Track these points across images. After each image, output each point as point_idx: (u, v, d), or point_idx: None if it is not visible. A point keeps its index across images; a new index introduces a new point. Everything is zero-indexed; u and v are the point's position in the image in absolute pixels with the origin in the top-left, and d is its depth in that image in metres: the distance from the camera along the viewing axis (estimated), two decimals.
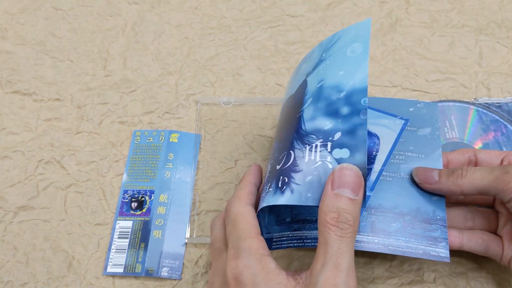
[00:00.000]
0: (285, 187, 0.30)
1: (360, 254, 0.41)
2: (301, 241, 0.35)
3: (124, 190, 0.44)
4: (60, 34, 0.54)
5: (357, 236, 0.33)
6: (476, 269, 0.40)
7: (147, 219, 0.43)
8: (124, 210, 0.43)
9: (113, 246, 0.42)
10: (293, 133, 0.32)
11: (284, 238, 0.36)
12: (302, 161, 0.30)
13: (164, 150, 0.46)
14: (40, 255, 0.42)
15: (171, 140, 0.47)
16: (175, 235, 0.42)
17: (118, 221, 0.43)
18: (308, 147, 0.30)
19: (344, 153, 0.29)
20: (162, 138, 0.47)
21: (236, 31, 0.54)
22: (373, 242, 0.33)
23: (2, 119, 0.49)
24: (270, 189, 0.31)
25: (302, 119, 0.32)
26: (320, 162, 0.29)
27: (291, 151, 0.31)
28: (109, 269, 0.41)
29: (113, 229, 0.43)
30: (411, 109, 0.38)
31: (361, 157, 0.28)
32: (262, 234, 0.31)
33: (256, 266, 0.29)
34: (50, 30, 0.54)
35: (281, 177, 0.30)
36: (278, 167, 0.31)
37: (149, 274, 0.40)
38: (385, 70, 0.50)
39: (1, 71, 0.52)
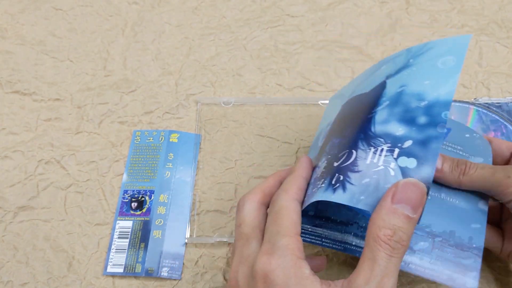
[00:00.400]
0: (338, 184, 0.28)
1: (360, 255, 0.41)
2: (320, 239, 0.34)
3: (124, 190, 0.44)
4: (60, 34, 0.54)
5: (348, 238, 0.33)
6: None
7: (147, 219, 0.43)
8: (124, 210, 0.43)
9: (113, 246, 0.42)
10: (360, 133, 0.31)
11: (303, 231, 0.34)
12: (363, 162, 0.28)
13: (164, 150, 0.46)
14: (40, 255, 0.42)
15: (171, 140, 0.47)
16: (175, 235, 0.42)
17: (118, 221, 0.43)
18: (372, 149, 0.29)
19: (410, 162, 0.27)
20: (162, 138, 0.47)
21: (236, 31, 0.54)
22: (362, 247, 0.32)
23: (2, 119, 0.49)
24: (323, 185, 0.30)
25: (373, 120, 0.31)
26: (382, 167, 0.28)
27: (353, 150, 0.30)
28: (109, 269, 0.41)
29: (113, 229, 0.43)
30: (467, 135, 0.36)
31: (428, 170, 0.27)
32: None
33: (291, 268, 0.27)
34: (50, 30, 0.54)
35: (337, 174, 0.29)
36: (335, 164, 0.30)
37: (149, 274, 0.40)
38: None
39: (1, 71, 0.52)
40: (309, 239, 0.34)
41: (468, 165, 0.32)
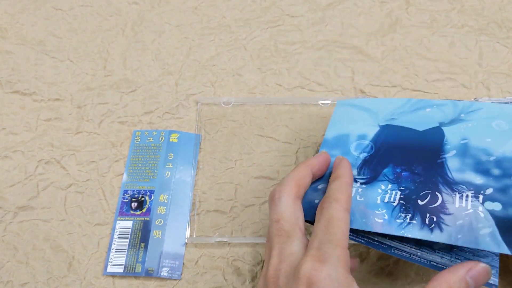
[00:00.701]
0: (433, 225, 0.32)
1: (360, 253, 0.41)
2: (367, 239, 0.35)
3: (124, 190, 0.44)
4: (60, 34, 0.54)
5: (399, 244, 0.34)
6: None
7: (147, 219, 0.43)
8: (124, 210, 0.43)
9: (113, 246, 0.42)
10: (438, 176, 0.34)
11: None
12: (452, 206, 0.32)
13: (164, 150, 0.46)
14: (40, 255, 0.42)
15: (171, 140, 0.47)
16: (175, 235, 0.42)
17: (118, 221, 0.43)
18: (458, 195, 0.33)
19: (496, 206, 0.32)
20: (162, 138, 0.47)
21: (236, 31, 0.54)
22: (416, 255, 0.33)
23: (2, 119, 0.49)
24: (413, 221, 0.32)
25: (447, 166, 0.35)
26: (471, 210, 0.32)
27: (437, 193, 0.33)
28: (109, 269, 0.41)
29: (113, 229, 0.43)
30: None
31: None
32: None
33: (341, 281, 0.27)
34: (50, 30, 0.54)
35: (428, 214, 0.32)
36: (421, 203, 0.33)
37: (149, 274, 0.40)
38: (385, 70, 0.50)
39: (1, 71, 0.52)
40: (354, 238, 0.35)
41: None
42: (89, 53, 0.53)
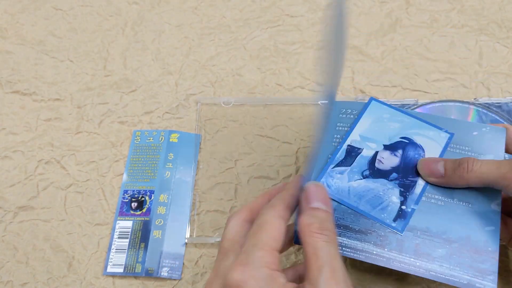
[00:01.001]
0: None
1: None
2: (340, 248, 0.35)
3: (124, 190, 0.44)
4: (60, 34, 0.54)
5: (399, 257, 0.34)
6: None
7: (147, 219, 0.43)
8: (124, 210, 0.43)
9: (113, 246, 0.42)
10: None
11: None
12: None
13: (164, 150, 0.46)
14: (40, 255, 0.42)
15: (171, 140, 0.47)
16: (175, 235, 0.42)
17: (118, 221, 0.43)
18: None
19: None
20: (162, 138, 0.47)
21: (236, 31, 0.54)
22: (414, 265, 0.33)
23: (2, 119, 0.49)
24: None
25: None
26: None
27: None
28: (109, 269, 0.41)
29: (113, 229, 0.43)
30: (475, 133, 0.37)
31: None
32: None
33: (265, 279, 0.28)
34: (50, 30, 0.54)
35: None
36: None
37: (149, 274, 0.40)
38: (385, 70, 0.50)
39: (1, 71, 0.52)
40: (352, 254, 0.35)
41: (471, 162, 0.33)
42: (89, 53, 0.53)
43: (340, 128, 0.39)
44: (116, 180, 0.45)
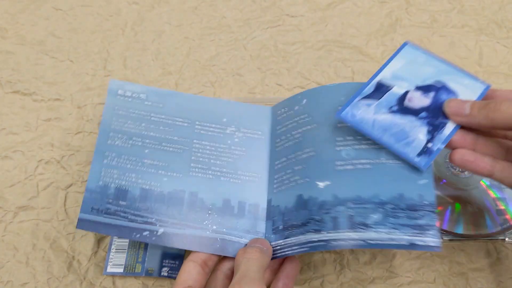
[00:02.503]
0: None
1: (360, 254, 0.41)
2: (290, 249, 0.36)
3: None
4: (60, 34, 0.54)
5: (334, 234, 0.33)
6: (476, 269, 0.40)
7: None
8: None
9: (113, 246, 0.42)
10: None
11: (278, 247, 0.37)
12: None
13: None
14: (40, 255, 0.42)
15: None
16: None
17: None
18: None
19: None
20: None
21: (236, 31, 0.54)
22: (351, 239, 0.32)
23: (2, 119, 0.49)
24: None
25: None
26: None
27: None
28: (109, 269, 0.41)
29: None
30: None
31: None
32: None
33: None
34: (50, 30, 0.54)
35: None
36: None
37: (149, 274, 0.40)
38: None
39: (1, 71, 0.52)
40: (280, 254, 0.36)
41: (499, 102, 0.32)
42: (89, 53, 0.53)
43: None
44: None
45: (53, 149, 0.47)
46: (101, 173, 0.39)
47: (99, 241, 0.42)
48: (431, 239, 0.31)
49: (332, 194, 0.35)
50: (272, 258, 0.36)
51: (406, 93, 0.37)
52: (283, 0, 0.56)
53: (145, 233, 0.37)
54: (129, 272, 0.41)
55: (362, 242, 0.32)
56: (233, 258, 0.36)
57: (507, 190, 0.41)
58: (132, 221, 0.37)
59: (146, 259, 0.41)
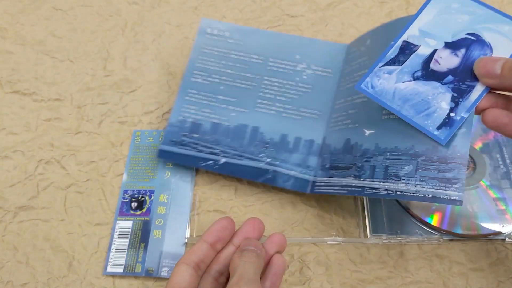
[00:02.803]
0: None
1: (360, 253, 0.41)
2: (331, 187, 0.37)
3: (124, 190, 0.44)
4: (60, 34, 0.54)
5: (370, 182, 0.34)
6: (476, 269, 0.40)
7: (147, 219, 0.43)
8: (124, 210, 0.43)
9: (113, 246, 0.42)
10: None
11: (322, 183, 0.39)
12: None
13: None
14: (40, 255, 0.42)
15: None
16: (175, 235, 0.42)
17: (118, 221, 0.43)
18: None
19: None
20: (162, 138, 0.47)
21: None
22: (383, 189, 0.33)
23: (2, 119, 0.49)
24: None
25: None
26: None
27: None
28: (109, 269, 0.41)
29: (113, 229, 0.43)
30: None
31: None
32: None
33: None
34: (50, 30, 0.54)
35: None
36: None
37: (149, 274, 0.40)
38: None
39: (1, 71, 0.52)
40: (323, 190, 0.38)
41: None
42: (89, 53, 0.53)
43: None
44: (116, 180, 0.45)
45: (53, 149, 0.47)
46: (181, 108, 0.44)
47: (99, 241, 0.42)
48: (456, 192, 0.30)
49: (374, 143, 0.36)
50: (316, 192, 0.39)
51: (433, 53, 0.34)
52: (283, 0, 0.56)
53: (210, 162, 0.42)
54: (129, 272, 0.41)
55: (391, 193, 0.33)
56: (222, 261, 0.36)
57: (507, 190, 0.41)
58: (200, 151, 0.42)
59: (146, 259, 0.41)
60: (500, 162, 0.42)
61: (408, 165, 0.33)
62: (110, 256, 0.41)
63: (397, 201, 0.41)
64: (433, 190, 0.31)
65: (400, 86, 0.34)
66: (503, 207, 0.40)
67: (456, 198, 0.30)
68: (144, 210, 0.43)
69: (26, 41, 0.54)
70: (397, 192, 0.32)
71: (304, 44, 0.46)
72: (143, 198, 0.44)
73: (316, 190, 0.39)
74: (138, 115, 0.49)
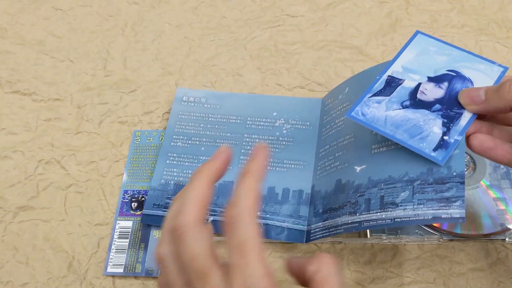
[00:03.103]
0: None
1: (360, 254, 0.41)
2: (327, 231, 0.37)
3: (124, 190, 0.44)
4: (60, 34, 0.54)
5: (367, 216, 0.34)
6: (476, 269, 0.40)
7: None
8: (124, 210, 0.43)
9: (113, 246, 0.42)
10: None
11: (317, 230, 0.38)
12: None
13: None
14: (40, 255, 0.42)
15: None
16: None
17: (118, 221, 0.43)
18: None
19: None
20: (162, 138, 0.47)
21: (236, 31, 0.54)
22: (381, 219, 0.33)
23: (2, 119, 0.49)
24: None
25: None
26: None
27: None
28: (109, 269, 0.41)
29: (113, 229, 0.43)
30: None
31: None
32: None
33: None
34: (50, 30, 0.54)
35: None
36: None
37: (149, 274, 0.40)
38: None
39: (1, 71, 0.52)
40: (320, 235, 0.37)
41: None
42: (89, 53, 0.53)
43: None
44: (116, 180, 0.45)
45: (53, 149, 0.47)
46: (163, 172, 0.43)
47: (99, 241, 0.42)
48: (457, 210, 0.30)
49: (367, 177, 0.36)
50: (312, 240, 0.38)
51: (418, 85, 0.36)
52: (283, 0, 0.56)
53: None
54: (129, 272, 0.41)
55: (389, 221, 0.32)
56: None
57: (507, 190, 0.41)
58: None
59: (146, 259, 0.41)
60: None
61: (404, 191, 0.33)
62: (110, 256, 0.41)
63: None
64: (433, 211, 0.31)
65: (390, 114, 0.35)
66: (503, 207, 0.40)
67: (457, 215, 0.31)
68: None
69: (26, 41, 0.54)
70: (395, 220, 0.32)
71: (280, 102, 0.47)
72: (143, 198, 0.44)
73: (312, 238, 0.39)
74: (138, 115, 0.49)
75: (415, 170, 0.33)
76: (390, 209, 0.33)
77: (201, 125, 0.46)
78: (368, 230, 0.40)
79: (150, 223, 0.42)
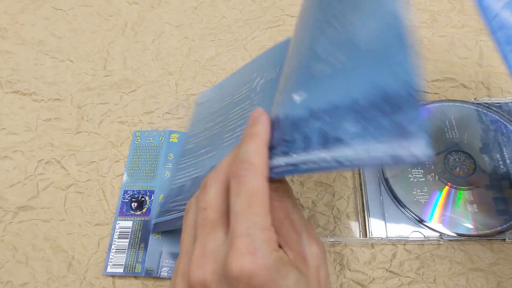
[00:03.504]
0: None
1: (360, 254, 0.41)
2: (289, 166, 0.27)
3: (124, 190, 0.44)
4: (60, 34, 0.54)
5: (305, 156, 0.25)
6: (476, 269, 0.40)
7: (147, 219, 0.43)
8: (124, 210, 0.43)
9: (113, 246, 0.42)
10: None
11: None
12: None
13: (164, 150, 0.46)
14: (40, 255, 0.42)
15: (171, 140, 0.47)
16: (175, 235, 0.42)
17: (118, 221, 0.43)
18: None
19: None
20: (162, 138, 0.47)
21: (236, 31, 0.54)
22: (323, 160, 0.24)
23: (2, 119, 0.49)
24: None
25: None
26: None
27: None
28: (109, 269, 0.41)
29: (113, 229, 0.43)
30: None
31: None
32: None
33: (277, 264, 0.24)
34: (50, 30, 0.54)
35: None
36: None
37: (149, 274, 0.40)
38: None
39: (1, 71, 0.52)
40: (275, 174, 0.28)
41: None
42: (89, 53, 0.53)
43: None
44: (116, 180, 0.45)
45: (53, 149, 0.47)
46: (174, 178, 0.43)
47: (99, 241, 0.42)
48: (419, 147, 0.21)
49: (307, 108, 0.27)
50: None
51: None
52: (283, 0, 0.56)
53: None
54: (129, 272, 0.41)
55: (336, 164, 0.24)
56: None
57: (507, 190, 0.41)
58: (182, 211, 0.38)
59: (146, 259, 0.41)
60: (500, 162, 0.42)
61: (355, 125, 0.24)
62: (110, 256, 0.41)
63: (397, 201, 0.41)
64: (390, 149, 0.22)
65: (503, 12, 0.31)
66: (503, 207, 0.40)
67: (421, 153, 0.21)
68: (144, 210, 0.43)
69: (26, 41, 0.54)
70: (345, 162, 0.24)
71: (259, 59, 0.44)
72: (143, 198, 0.44)
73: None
74: (138, 115, 0.49)
75: (366, 95, 0.24)
76: (334, 147, 0.24)
77: (201, 125, 0.45)
78: (368, 230, 0.40)
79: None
